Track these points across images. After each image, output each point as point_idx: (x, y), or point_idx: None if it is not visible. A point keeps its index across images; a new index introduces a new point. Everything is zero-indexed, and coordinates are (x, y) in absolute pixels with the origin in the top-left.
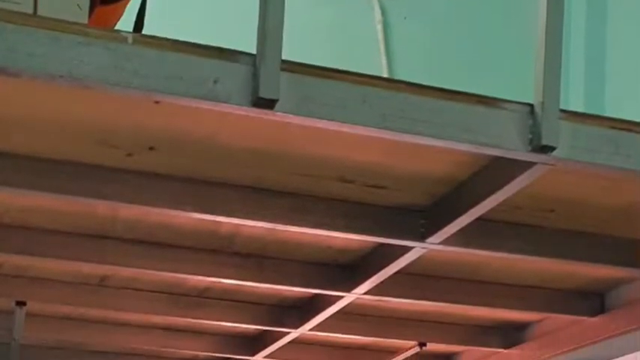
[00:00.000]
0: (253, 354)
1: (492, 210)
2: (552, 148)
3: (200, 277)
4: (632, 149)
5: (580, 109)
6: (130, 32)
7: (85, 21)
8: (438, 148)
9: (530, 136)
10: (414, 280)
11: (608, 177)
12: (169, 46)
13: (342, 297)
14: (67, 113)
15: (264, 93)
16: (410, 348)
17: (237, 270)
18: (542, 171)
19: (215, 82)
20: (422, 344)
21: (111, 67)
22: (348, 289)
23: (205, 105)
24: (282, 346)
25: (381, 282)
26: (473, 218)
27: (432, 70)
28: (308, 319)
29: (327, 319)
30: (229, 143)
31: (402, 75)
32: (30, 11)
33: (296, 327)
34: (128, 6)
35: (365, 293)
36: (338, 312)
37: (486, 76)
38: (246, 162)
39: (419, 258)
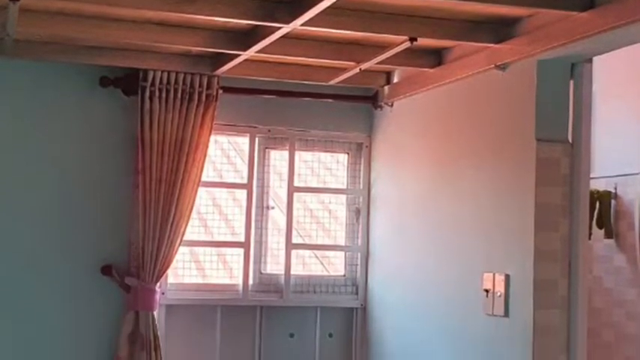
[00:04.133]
0: (245, 49)
1: None
2: None
3: None
4: None
5: None
6: None
7: None
8: None
9: None
10: None
11: None
12: None
13: None
14: None
15: None
16: (400, 43)
17: None
18: None
19: None
20: (412, 39)
21: None
22: None
23: None
24: (274, 42)
25: None
26: None
27: None
28: (299, 14)
29: (318, 14)
30: None
31: None
32: None
33: (287, 22)
34: None
35: None
36: (329, 7)
37: None
38: None
39: None
